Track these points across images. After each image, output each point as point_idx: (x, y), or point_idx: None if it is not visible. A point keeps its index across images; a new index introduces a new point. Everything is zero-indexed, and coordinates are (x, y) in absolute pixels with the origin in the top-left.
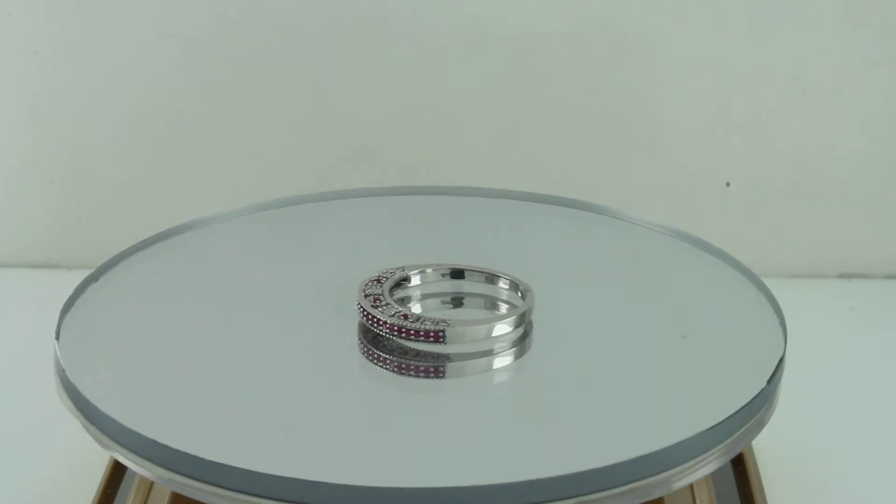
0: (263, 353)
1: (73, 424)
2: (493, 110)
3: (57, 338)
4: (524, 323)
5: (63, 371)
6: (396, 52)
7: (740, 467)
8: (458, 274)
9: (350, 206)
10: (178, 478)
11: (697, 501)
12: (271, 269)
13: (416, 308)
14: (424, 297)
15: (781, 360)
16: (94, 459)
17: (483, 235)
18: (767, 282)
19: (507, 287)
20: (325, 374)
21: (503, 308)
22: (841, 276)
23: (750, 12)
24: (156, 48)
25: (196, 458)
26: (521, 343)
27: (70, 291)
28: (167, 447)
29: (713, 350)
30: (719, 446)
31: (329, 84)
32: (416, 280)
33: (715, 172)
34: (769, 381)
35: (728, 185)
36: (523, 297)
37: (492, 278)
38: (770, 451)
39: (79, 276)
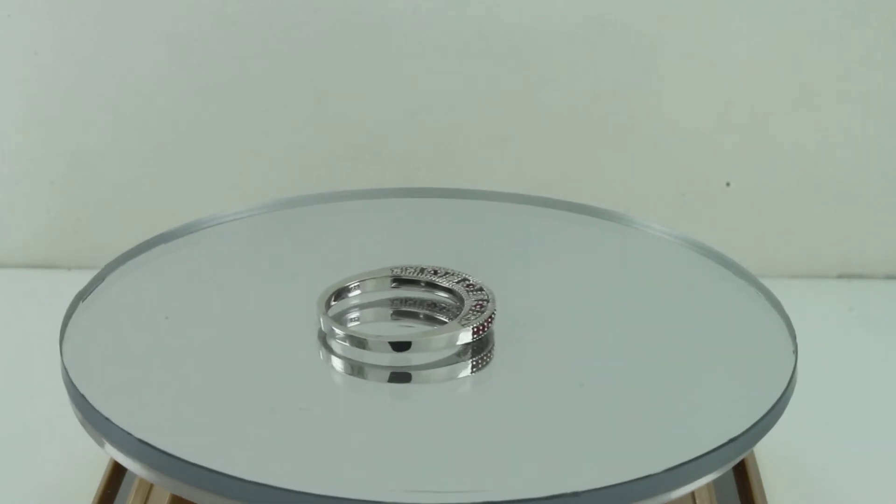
0: (261, 355)
1: (73, 424)
2: (493, 110)
3: (61, 342)
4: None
5: (68, 374)
6: (396, 53)
7: (741, 468)
8: (403, 281)
9: (349, 207)
10: (175, 481)
11: (698, 503)
12: (272, 270)
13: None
14: (367, 305)
15: (792, 378)
16: (94, 459)
17: (480, 238)
18: (767, 282)
19: (449, 296)
20: (319, 380)
21: (442, 318)
22: (841, 276)
23: (750, 12)
24: (156, 48)
25: (189, 463)
26: (512, 352)
27: (70, 291)
28: (165, 452)
29: (720, 363)
30: (722, 467)
31: (329, 84)
32: (363, 288)
33: (715, 172)
34: (778, 401)
35: (728, 185)
36: (460, 310)
37: (430, 287)
38: (770, 452)
39: (79, 276)
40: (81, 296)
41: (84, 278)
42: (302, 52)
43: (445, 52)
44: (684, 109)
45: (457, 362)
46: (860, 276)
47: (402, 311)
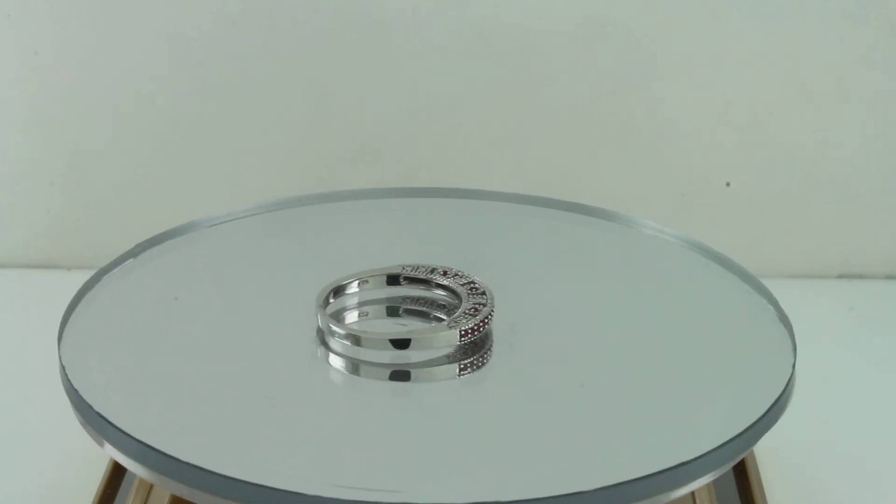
0: (261, 355)
1: (72, 424)
2: (493, 110)
3: (59, 340)
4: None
5: (65, 374)
6: (397, 53)
7: (741, 468)
8: (403, 280)
9: (349, 207)
10: (168, 480)
11: (698, 503)
12: (272, 270)
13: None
14: (366, 304)
15: (791, 377)
16: (94, 459)
17: (480, 238)
18: (767, 282)
19: (448, 295)
20: (319, 381)
21: (442, 315)
22: (841, 276)
23: (750, 12)
24: (156, 48)
25: (184, 463)
26: (511, 352)
27: (70, 291)
28: (160, 451)
29: (720, 363)
30: (720, 467)
31: (329, 84)
32: (362, 286)
33: (715, 172)
34: (777, 401)
35: (728, 185)
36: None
37: (430, 285)
38: (770, 452)
39: (79, 276)
40: (79, 296)
41: (84, 278)
42: (302, 52)
43: (445, 52)
44: (684, 109)
45: (456, 361)
46: (860, 276)
47: (402, 309)
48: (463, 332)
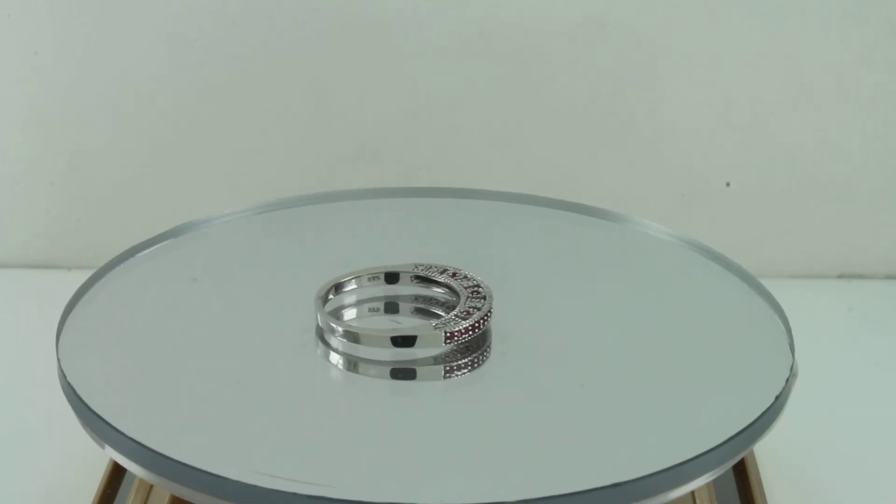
0: (260, 355)
1: (72, 424)
2: (493, 110)
3: (57, 341)
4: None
5: (63, 374)
6: (397, 53)
7: (741, 468)
8: (393, 278)
9: (349, 207)
10: (168, 482)
11: (698, 503)
12: (272, 270)
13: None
14: (360, 302)
15: (790, 378)
16: (94, 459)
17: (480, 238)
18: (767, 282)
19: (445, 292)
20: (320, 381)
21: (440, 312)
22: (841, 276)
23: (750, 12)
24: (156, 48)
25: (183, 464)
26: (510, 352)
27: (70, 291)
28: (158, 452)
29: (719, 363)
30: (720, 466)
31: (329, 84)
32: (360, 284)
33: (715, 172)
34: (776, 400)
35: (728, 185)
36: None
37: (427, 283)
38: (770, 452)
39: (79, 276)
40: (77, 296)
41: (84, 278)
42: (302, 52)
43: (445, 52)
44: (684, 109)
45: (455, 361)
46: (860, 276)
47: (413, 308)
48: (448, 335)
